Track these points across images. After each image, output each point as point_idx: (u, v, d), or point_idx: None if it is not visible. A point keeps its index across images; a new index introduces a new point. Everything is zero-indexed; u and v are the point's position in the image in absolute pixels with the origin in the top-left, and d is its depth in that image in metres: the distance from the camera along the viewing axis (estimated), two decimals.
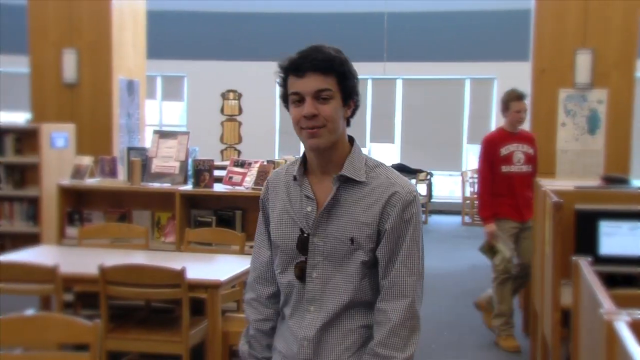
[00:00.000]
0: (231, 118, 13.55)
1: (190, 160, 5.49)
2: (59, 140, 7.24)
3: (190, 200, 5.48)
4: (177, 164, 5.51)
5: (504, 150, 5.42)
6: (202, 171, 5.37)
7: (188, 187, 5.41)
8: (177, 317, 4.32)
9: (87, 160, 5.85)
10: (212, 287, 3.91)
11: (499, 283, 5.43)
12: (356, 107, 2.08)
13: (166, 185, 5.44)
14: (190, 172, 5.47)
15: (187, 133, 5.69)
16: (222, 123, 13.57)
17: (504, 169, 5.41)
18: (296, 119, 1.99)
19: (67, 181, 5.72)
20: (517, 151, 5.44)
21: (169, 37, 12.57)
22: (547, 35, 6.80)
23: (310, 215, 2.05)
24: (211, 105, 13.39)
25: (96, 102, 7.68)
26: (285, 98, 2.04)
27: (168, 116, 14.19)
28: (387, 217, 2.01)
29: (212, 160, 5.49)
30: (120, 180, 5.81)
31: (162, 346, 4.05)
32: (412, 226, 2.03)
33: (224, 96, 13.47)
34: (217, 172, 5.59)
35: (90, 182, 5.70)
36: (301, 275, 2.06)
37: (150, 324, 4.35)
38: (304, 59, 1.98)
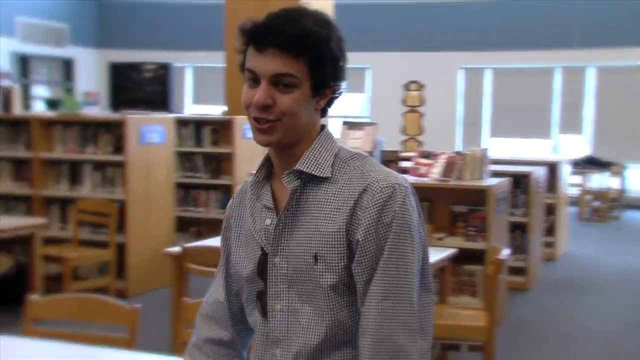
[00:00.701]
0: (413, 109, 13.53)
1: (378, 151, 5.54)
2: (250, 131, 7.58)
3: None
4: None
5: None
6: (389, 162, 5.40)
7: None
8: None
9: None
10: None
11: None
12: (335, 96, 1.60)
13: None
14: None
15: (374, 124, 5.74)
16: (403, 114, 13.58)
17: None
18: (246, 102, 1.54)
19: None
20: None
21: (354, 30, 12.73)
22: None
23: (270, 230, 1.58)
24: (393, 96, 13.42)
25: None
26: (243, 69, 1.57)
27: (350, 108, 14.42)
28: (357, 223, 1.50)
29: (399, 151, 5.51)
30: None
31: None
32: (395, 232, 1.49)
33: (406, 87, 13.47)
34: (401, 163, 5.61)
35: None
36: (264, 308, 1.60)
37: None
38: (267, 28, 1.49)
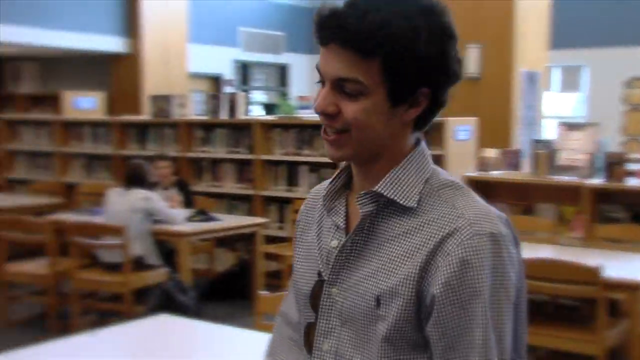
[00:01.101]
0: (636, 108, 12.62)
1: (599, 153, 5.23)
2: (462, 133, 7.49)
3: (598, 195, 5.22)
4: (585, 157, 5.28)
5: None
6: (614, 164, 5.08)
7: (597, 180, 5.16)
8: (586, 315, 4.15)
9: (492, 153, 5.95)
10: (632, 287, 3.67)
11: None
12: (438, 105, 1.27)
13: (572, 179, 5.26)
14: (599, 165, 5.21)
15: (595, 124, 5.44)
16: (624, 113, 12.71)
17: None
18: (314, 105, 1.27)
19: (472, 173, 5.88)
20: None
21: (570, 26, 12.15)
22: None
23: (333, 254, 1.32)
24: (611, 94, 12.62)
25: (497, 95, 7.77)
26: None
27: (563, 107, 13.79)
28: (434, 272, 1.20)
29: (625, 153, 5.17)
30: (524, 172, 5.79)
31: (575, 345, 3.91)
32: (483, 294, 1.18)
33: (629, 85, 12.60)
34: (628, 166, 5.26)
35: (495, 174, 5.77)
36: (310, 344, 1.36)
37: (558, 320, 4.24)
38: (330, 19, 1.20)
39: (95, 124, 8.28)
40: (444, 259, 1.19)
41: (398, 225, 1.26)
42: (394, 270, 1.23)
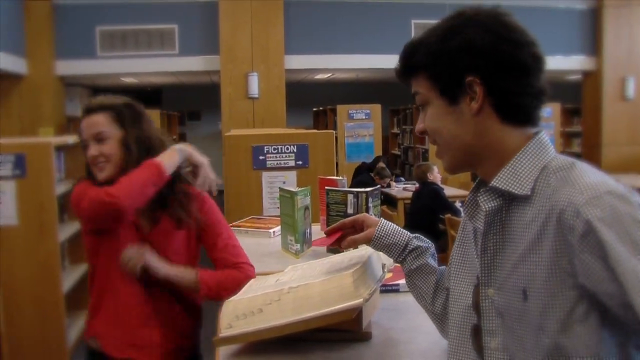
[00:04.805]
0: None
1: None
2: None
3: None
4: None
5: None
6: None
7: None
8: None
9: None
10: None
11: None
12: (507, 93, 1.29)
13: None
14: None
15: None
16: None
17: None
18: None
19: None
20: None
21: None
22: None
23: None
24: None
25: None
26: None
27: None
28: (564, 250, 1.17)
29: None
30: None
31: None
32: (624, 247, 1.10)
33: None
34: None
35: None
36: (479, 344, 1.37)
37: None
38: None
39: None
40: (571, 233, 1.15)
41: (524, 215, 1.26)
42: (529, 260, 1.24)
